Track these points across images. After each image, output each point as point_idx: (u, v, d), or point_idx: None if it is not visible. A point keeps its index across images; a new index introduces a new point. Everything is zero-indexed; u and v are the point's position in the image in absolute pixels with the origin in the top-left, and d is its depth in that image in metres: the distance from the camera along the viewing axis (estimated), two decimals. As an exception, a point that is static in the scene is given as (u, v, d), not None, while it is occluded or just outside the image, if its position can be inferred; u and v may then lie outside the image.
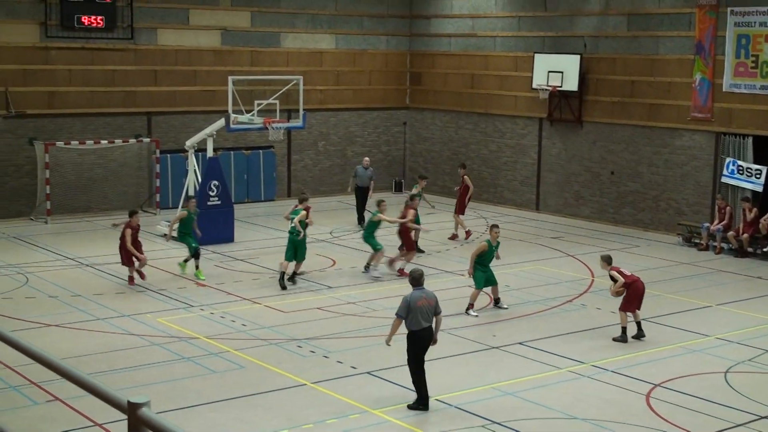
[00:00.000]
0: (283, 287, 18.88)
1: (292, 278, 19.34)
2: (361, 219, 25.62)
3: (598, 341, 15.86)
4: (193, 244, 19.83)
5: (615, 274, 15.98)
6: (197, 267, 19.79)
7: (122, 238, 18.84)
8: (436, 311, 12.60)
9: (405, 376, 13.60)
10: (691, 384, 13.78)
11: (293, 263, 19.34)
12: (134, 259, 18.87)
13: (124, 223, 19.35)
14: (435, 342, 12.79)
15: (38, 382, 12.92)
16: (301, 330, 16.13)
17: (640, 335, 15.93)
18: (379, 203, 20.47)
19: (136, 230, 18.93)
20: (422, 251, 22.22)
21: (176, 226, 19.96)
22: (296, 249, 19.21)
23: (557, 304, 18.38)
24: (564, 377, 14.02)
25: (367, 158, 27.09)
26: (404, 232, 20.41)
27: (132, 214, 19.15)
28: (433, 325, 12.64)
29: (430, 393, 12.70)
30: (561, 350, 15.29)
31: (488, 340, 15.87)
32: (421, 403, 12.60)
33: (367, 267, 20.39)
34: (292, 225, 19.17)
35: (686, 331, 16.69)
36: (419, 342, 12.52)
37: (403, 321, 12.53)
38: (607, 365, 14.58)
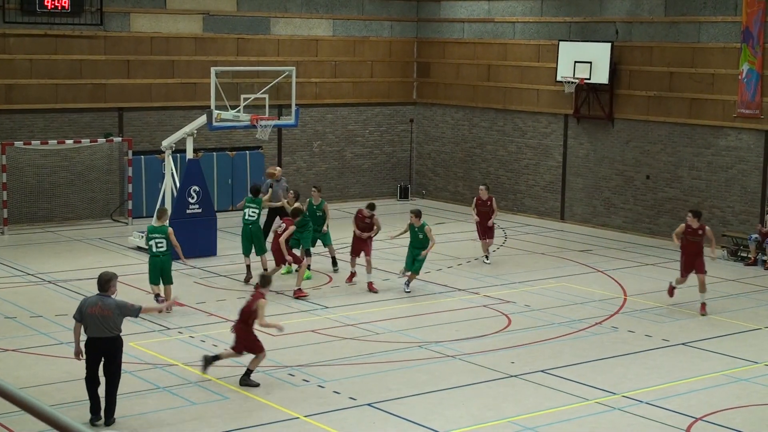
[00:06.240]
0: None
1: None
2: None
3: (630, 369, 15.86)
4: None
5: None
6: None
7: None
8: (127, 313, 12.94)
9: (411, 409, 13.62)
10: (736, 417, 13.77)
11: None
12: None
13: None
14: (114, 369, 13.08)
15: (-6, 414, 12.95)
16: (292, 356, 16.14)
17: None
18: None
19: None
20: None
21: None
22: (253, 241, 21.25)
23: (585, 326, 18.39)
24: (592, 410, 14.03)
25: (278, 168, 24.90)
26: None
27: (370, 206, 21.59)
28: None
29: (439, 427, 12.69)
30: (589, 379, 15.29)
31: (506, 367, 15.87)
32: (93, 413, 12.99)
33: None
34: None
35: (731, 357, 16.68)
36: (90, 351, 12.96)
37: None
38: (641, 396, 14.58)
